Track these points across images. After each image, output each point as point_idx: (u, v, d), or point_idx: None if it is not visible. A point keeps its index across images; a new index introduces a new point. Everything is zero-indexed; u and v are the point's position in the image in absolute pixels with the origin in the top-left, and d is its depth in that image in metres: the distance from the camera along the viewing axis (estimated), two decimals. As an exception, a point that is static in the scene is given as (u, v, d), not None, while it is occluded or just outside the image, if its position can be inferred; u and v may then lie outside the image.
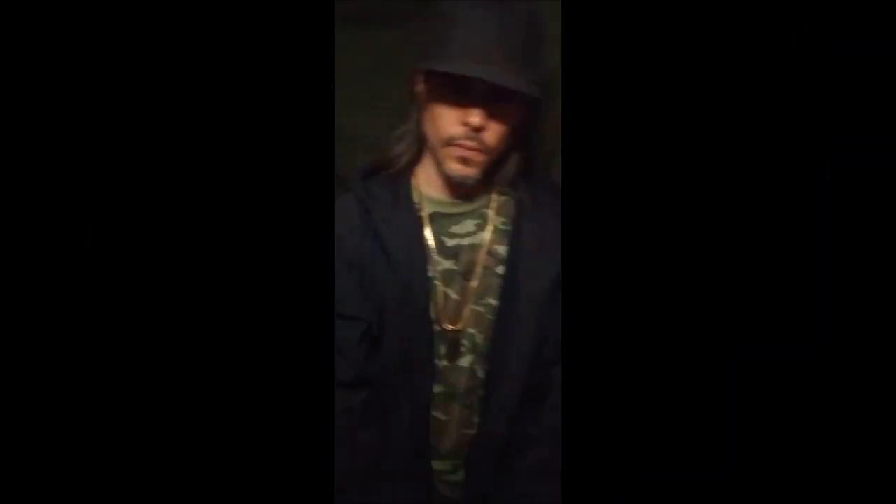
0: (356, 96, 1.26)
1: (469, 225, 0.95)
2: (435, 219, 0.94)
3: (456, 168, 0.89)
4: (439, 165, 0.91)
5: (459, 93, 0.85)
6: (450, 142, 0.87)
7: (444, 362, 0.92)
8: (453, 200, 0.95)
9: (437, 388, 0.92)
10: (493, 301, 0.92)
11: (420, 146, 0.94)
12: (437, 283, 0.92)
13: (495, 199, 0.95)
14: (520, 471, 0.93)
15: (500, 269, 0.93)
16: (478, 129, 0.86)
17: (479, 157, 0.88)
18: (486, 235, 0.94)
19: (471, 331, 0.93)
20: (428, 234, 0.94)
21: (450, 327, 0.92)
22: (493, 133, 0.87)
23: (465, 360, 0.93)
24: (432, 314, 0.92)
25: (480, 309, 0.92)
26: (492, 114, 0.86)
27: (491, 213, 0.95)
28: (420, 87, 0.90)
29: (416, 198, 0.95)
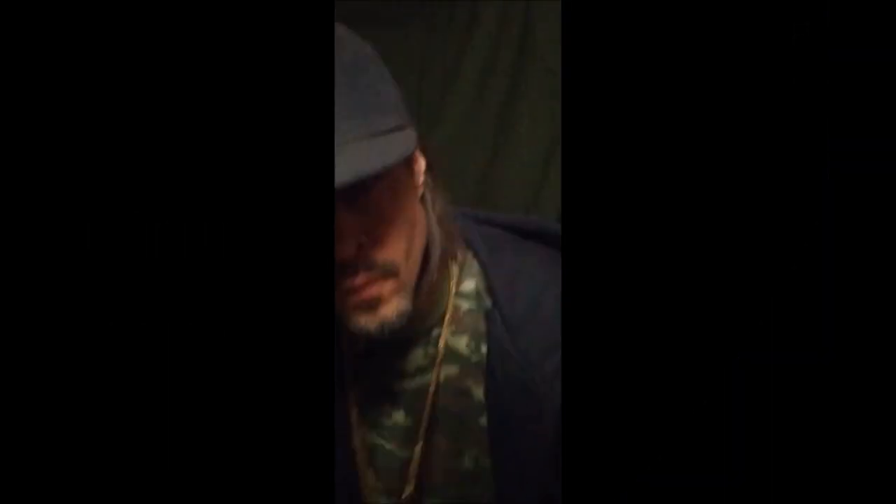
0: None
1: (420, 357, 0.68)
2: (363, 358, 0.69)
3: (363, 321, 0.63)
4: (347, 328, 0.65)
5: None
6: (347, 292, 0.62)
7: None
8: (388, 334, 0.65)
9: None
10: (477, 457, 0.67)
11: None
12: (383, 447, 0.68)
13: (455, 309, 0.67)
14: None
15: (474, 417, 0.66)
16: (356, 257, 0.62)
17: (386, 288, 0.62)
18: (451, 370, 0.67)
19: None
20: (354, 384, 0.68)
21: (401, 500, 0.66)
22: (387, 237, 0.62)
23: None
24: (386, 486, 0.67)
25: (457, 467, 0.67)
26: (369, 220, 0.62)
27: (448, 332, 0.66)
28: None
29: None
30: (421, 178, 0.67)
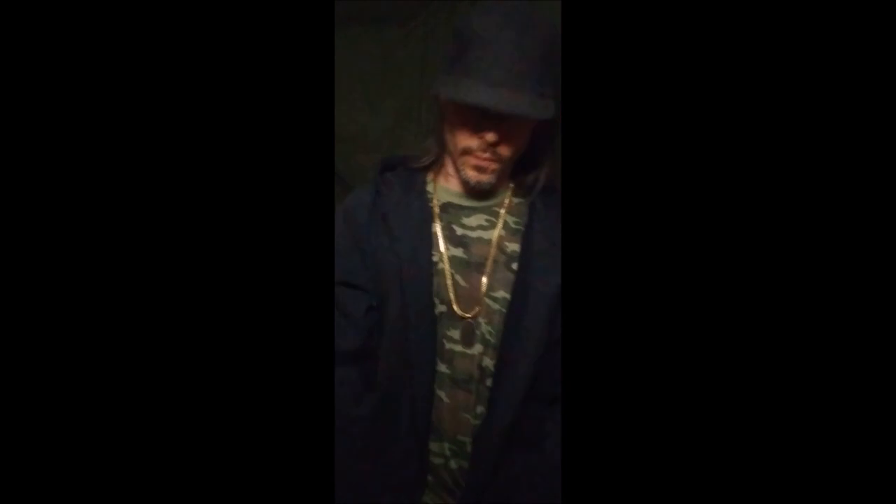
0: (356, 96, 1.26)
1: (480, 219, 0.99)
2: (446, 209, 0.99)
3: (472, 175, 0.96)
4: (457, 170, 0.98)
5: (475, 112, 0.90)
6: (466, 152, 0.94)
7: (456, 346, 0.95)
8: (467, 196, 1.00)
9: (441, 369, 0.94)
10: (504, 294, 0.96)
11: (441, 150, 1.00)
12: (443, 267, 0.96)
13: (509, 200, 1.01)
14: (522, 465, 0.94)
15: (513, 265, 0.97)
16: (493, 144, 0.92)
17: (493, 166, 0.95)
18: (497, 231, 0.99)
19: (482, 321, 0.95)
20: (437, 221, 0.98)
21: (463, 314, 0.95)
22: (508, 146, 0.93)
23: (475, 349, 0.94)
24: (438, 296, 0.95)
25: (490, 302, 0.95)
26: (506, 131, 0.92)
27: (503, 211, 1.00)
28: (441, 102, 0.95)
29: (430, 189, 1.01)
30: (549, 124, 0.98)
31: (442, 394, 0.94)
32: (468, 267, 0.97)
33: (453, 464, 0.95)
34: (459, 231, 0.98)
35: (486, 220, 0.99)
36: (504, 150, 0.93)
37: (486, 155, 0.93)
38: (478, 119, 0.91)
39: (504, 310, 0.95)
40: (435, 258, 0.96)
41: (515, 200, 1.01)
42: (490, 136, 0.91)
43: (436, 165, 1.01)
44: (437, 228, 0.98)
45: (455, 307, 0.95)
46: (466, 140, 0.93)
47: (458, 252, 0.97)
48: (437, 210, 0.99)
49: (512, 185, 1.02)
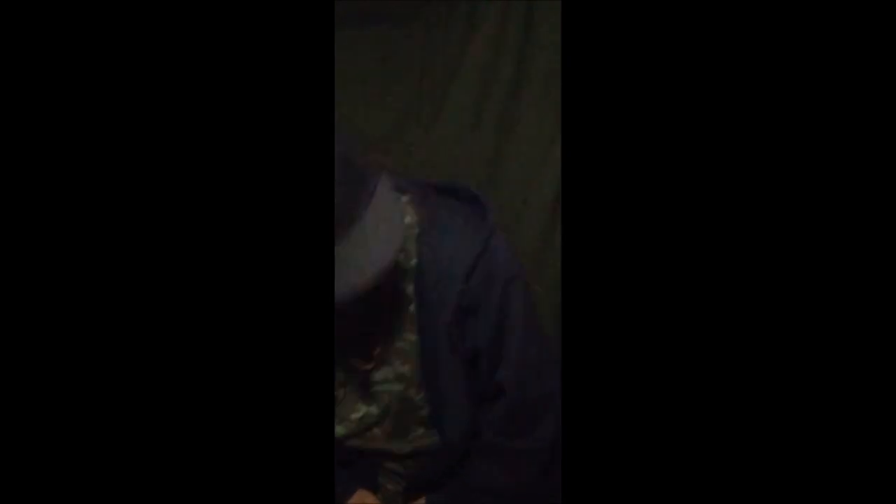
0: (356, 96, 1.26)
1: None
2: None
3: None
4: None
5: None
6: None
7: (377, 387, 0.98)
8: None
9: (366, 410, 0.99)
10: (410, 336, 0.96)
11: None
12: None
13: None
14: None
15: (412, 307, 0.96)
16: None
17: None
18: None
19: (393, 361, 0.97)
20: None
21: (364, 367, 0.96)
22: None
23: (392, 387, 0.98)
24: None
25: (400, 344, 0.97)
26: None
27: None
28: None
29: None
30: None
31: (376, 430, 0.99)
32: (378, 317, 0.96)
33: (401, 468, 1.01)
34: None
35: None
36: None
37: None
38: None
39: (414, 349, 0.96)
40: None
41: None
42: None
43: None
44: None
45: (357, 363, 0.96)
46: None
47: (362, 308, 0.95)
48: None
49: None
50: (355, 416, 0.99)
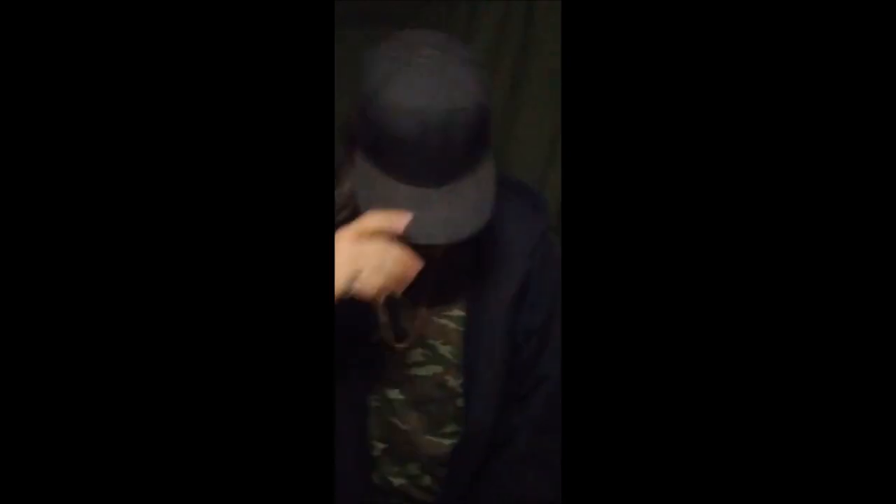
0: (356, 96, 1.26)
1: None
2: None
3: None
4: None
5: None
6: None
7: (401, 480, 0.94)
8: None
9: (392, 395, 0.93)
10: (459, 312, 0.92)
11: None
12: (383, 407, 0.93)
13: (447, 328, 0.93)
14: (502, 467, 0.94)
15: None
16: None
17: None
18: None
19: (432, 342, 0.93)
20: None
21: (398, 346, 0.91)
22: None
23: (427, 370, 0.93)
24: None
25: (444, 321, 0.92)
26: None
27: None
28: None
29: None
30: None
31: (396, 420, 0.93)
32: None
33: (426, 480, 0.95)
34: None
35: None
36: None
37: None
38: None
39: (459, 327, 0.92)
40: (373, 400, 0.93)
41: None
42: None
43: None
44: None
45: (391, 341, 0.91)
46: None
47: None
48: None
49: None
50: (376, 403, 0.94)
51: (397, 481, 0.96)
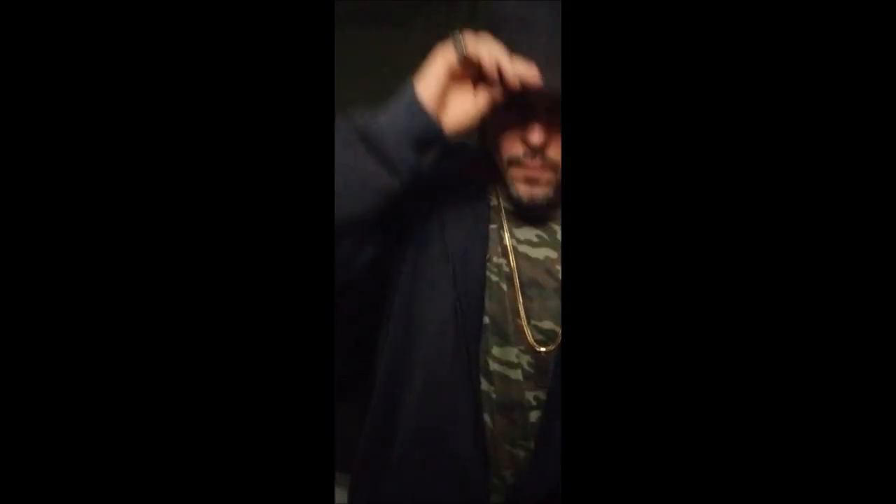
0: (356, 96, 1.26)
1: (529, 233, 0.88)
2: (500, 212, 0.88)
3: (523, 190, 0.83)
4: (507, 185, 0.84)
5: (517, 107, 0.79)
6: (512, 163, 0.82)
7: (498, 367, 0.86)
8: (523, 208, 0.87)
9: (483, 387, 0.87)
10: (553, 326, 0.86)
11: (489, 165, 0.87)
12: (494, 277, 0.86)
13: None
14: None
15: (551, 288, 0.86)
16: (541, 148, 0.80)
17: (546, 176, 0.82)
18: (545, 251, 0.87)
19: (553, 224, 0.87)
20: (492, 225, 0.87)
21: (537, 347, 0.85)
22: (558, 148, 0.80)
23: (517, 374, 0.87)
24: (487, 306, 0.86)
25: (533, 331, 0.86)
26: (552, 127, 0.80)
27: (558, 227, 0.87)
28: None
29: (489, 190, 0.89)
30: None
31: (486, 417, 0.87)
32: (511, 283, 0.86)
33: (493, 498, 0.87)
34: (508, 241, 0.87)
35: (536, 237, 0.88)
36: (554, 154, 0.80)
37: (537, 163, 0.80)
38: (521, 119, 0.79)
39: (551, 344, 0.84)
40: (489, 265, 0.86)
41: None
42: (535, 137, 0.78)
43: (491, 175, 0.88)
44: (490, 232, 0.87)
45: (527, 331, 0.84)
46: (512, 148, 0.81)
47: (503, 263, 0.86)
48: (492, 212, 0.87)
49: None
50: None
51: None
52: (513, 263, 0.86)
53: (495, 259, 0.87)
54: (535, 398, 0.86)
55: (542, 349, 0.85)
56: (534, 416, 0.86)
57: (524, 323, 0.85)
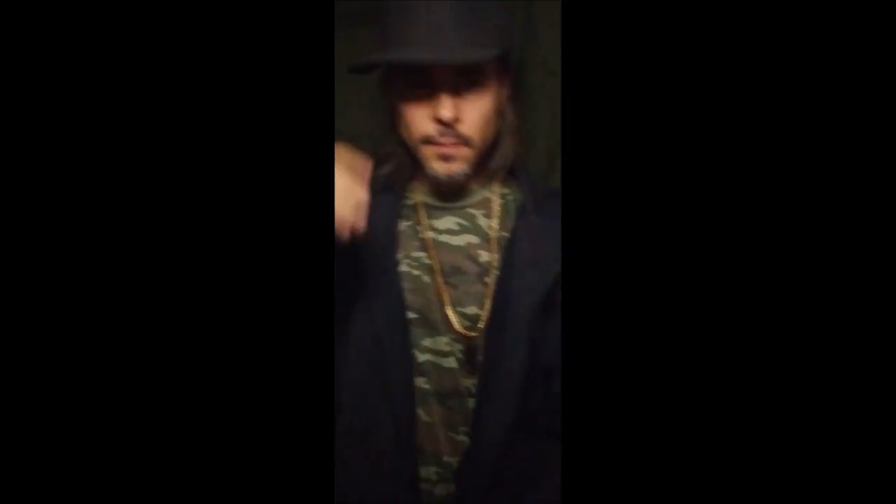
0: (356, 96, 1.26)
1: (450, 222, 0.90)
2: (416, 209, 0.90)
3: (439, 167, 0.85)
4: (424, 167, 0.86)
5: (423, 86, 0.82)
6: (426, 141, 0.84)
7: (432, 358, 0.88)
8: (441, 196, 0.90)
9: (419, 383, 0.88)
10: (476, 310, 0.88)
11: (404, 150, 0.89)
12: (416, 272, 0.88)
13: (489, 201, 0.90)
14: (513, 487, 0.88)
15: (485, 278, 0.88)
16: (451, 123, 0.82)
17: (460, 151, 0.84)
18: (466, 238, 0.89)
19: (473, 211, 0.90)
20: (404, 220, 0.89)
21: (466, 332, 0.86)
22: (470, 123, 0.83)
23: (450, 362, 0.88)
24: (408, 301, 0.88)
25: (459, 318, 0.88)
26: (462, 102, 0.82)
27: (479, 214, 0.90)
28: (389, 95, 0.87)
29: (405, 189, 0.92)
30: (506, 97, 0.88)
31: (421, 411, 0.88)
32: (436, 275, 0.88)
33: (440, 489, 0.89)
34: (428, 234, 0.89)
35: (458, 225, 0.90)
36: (467, 129, 0.83)
37: (449, 139, 0.83)
38: (429, 94, 0.81)
39: (472, 325, 0.87)
40: (405, 262, 0.87)
41: (498, 202, 0.90)
42: (445, 111, 0.80)
43: (406, 169, 0.90)
44: (403, 228, 0.89)
45: (453, 319, 0.86)
46: (422, 126, 0.83)
47: (422, 256, 0.88)
48: (407, 210, 0.90)
49: (497, 185, 0.91)
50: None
51: (421, 486, 0.90)
52: (433, 255, 0.88)
53: (414, 254, 0.89)
54: (472, 384, 0.88)
55: (473, 334, 0.86)
56: (471, 402, 0.87)
57: (450, 311, 0.86)
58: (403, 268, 0.89)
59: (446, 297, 0.87)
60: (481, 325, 0.87)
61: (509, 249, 0.88)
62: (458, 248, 0.89)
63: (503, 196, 0.91)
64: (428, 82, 0.82)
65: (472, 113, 0.83)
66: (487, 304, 0.87)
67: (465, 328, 0.87)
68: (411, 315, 0.88)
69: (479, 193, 0.91)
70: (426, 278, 0.88)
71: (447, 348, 0.89)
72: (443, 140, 0.83)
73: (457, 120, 0.82)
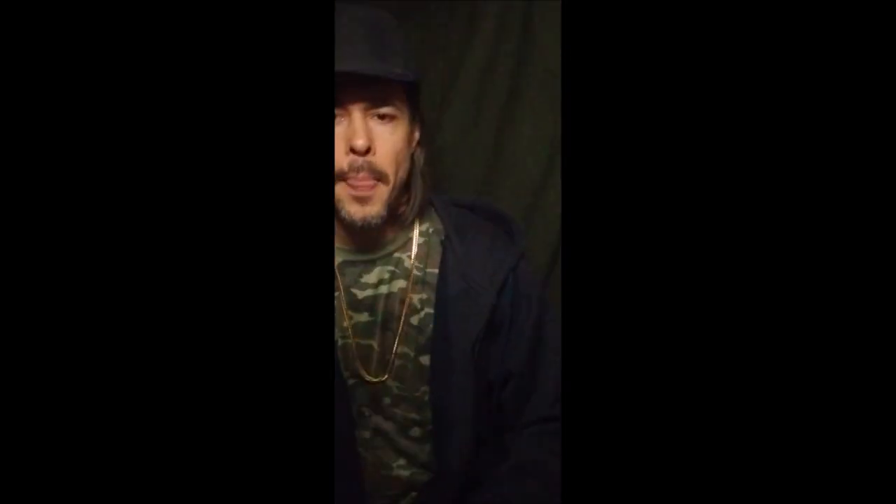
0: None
1: (382, 273, 0.91)
2: (342, 270, 0.90)
3: (354, 210, 0.83)
4: (338, 213, 0.84)
5: (336, 117, 0.81)
6: (340, 178, 0.82)
7: (367, 411, 0.91)
8: (361, 249, 0.90)
9: (365, 434, 0.92)
10: (411, 352, 0.90)
11: None
12: (349, 339, 0.90)
13: (411, 241, 0.91)
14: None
15: (415, 320, 0.90)
16: (363, 152, 0.81)
17: (376, 192, 0.82)
18: (400, 283, 0.90)
19: (392, 383, 0.91)
20: (337, 286, 0.89)
21: (371, 379, 0.90)
22: (382, 155, 0.82)
23: (399, 410, 0.92)
24: (348, 369, 0.90)
25: (400, 361, 0.90)
26: (374, 134, 0.82)
27: (405, 256, 0.91)
28: None
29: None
30: (417, 135, 0.88)
31: (368, 455, 0.92)
32: (376, 329, 0.89)
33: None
34: (360, 293, 0.89)
35: (389, 272, 0.90)
36: (379, 162, 0.82)
37: (364, 175, 0.81)
38: (342, 129, 0.81)
39: (413, 368, 0.89)
40: (341, 330, 0.89)
41: (420, 240, 0.91)
42: (359, 141, 0.79)
43: None
44: (340, 294, 0.89)
45: (364, 375, 0.89)
46: (336, 161, 0.81)
47: (364, 317, 0.90)
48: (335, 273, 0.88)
49: (416, 223, 0.91)
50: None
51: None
52: (357, 319, 0.89)
53: (347, 318, 0.89)
54: (402, 420, 0.91)
55: (376, 380, 0.89)
56: (407, 436, 0.92)
57: (360, 367, 0.89)
58: (343, 339, 0.90)
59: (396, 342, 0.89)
60: (409, 366, 0.90)
61: (441, 286, 0.89)
62: (395, 296, 0.90)
63: (423, 233, 0.92)
64: (342, 113, 0.81)
65: (385, 145, 0.82)
66: (423, 343, 0.90)
67: (372, 374, 0.89)
68: (351, 381, 0.90)
69: (403, 236, 0.91)
70: (366, 340, 0.90)
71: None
72: (358, 177, 0.82)
73: (369, 150, 0.81)
